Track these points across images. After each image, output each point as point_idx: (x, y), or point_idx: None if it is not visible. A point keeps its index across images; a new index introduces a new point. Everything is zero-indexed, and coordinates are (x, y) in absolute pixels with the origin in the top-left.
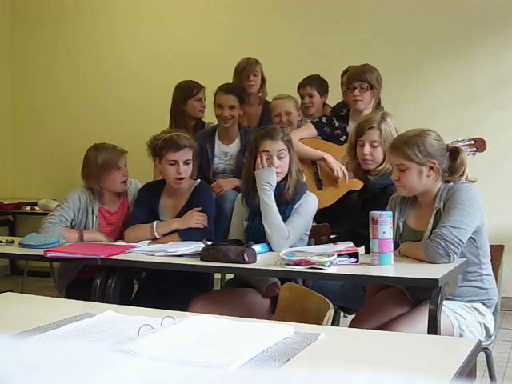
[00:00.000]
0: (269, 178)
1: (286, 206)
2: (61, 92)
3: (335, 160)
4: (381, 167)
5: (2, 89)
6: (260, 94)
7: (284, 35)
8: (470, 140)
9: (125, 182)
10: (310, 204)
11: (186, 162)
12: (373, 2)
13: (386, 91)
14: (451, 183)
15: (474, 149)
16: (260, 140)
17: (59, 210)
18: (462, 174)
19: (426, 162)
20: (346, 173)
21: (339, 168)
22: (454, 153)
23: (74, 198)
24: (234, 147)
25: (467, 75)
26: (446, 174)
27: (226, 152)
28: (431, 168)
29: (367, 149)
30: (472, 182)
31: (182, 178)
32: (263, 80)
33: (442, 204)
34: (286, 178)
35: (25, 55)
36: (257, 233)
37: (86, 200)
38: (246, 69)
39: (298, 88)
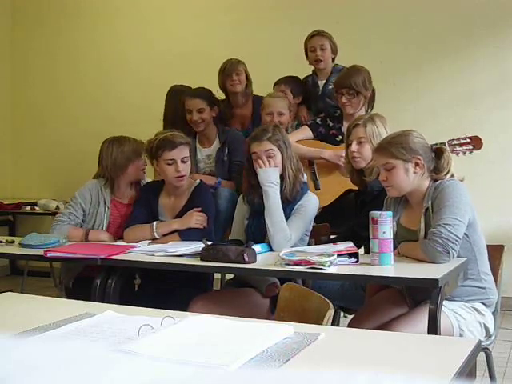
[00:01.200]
0: (272, 178)
1: (286, 205)
2: (61, 92)
3: (333, 152)
4: (371, 164)
5: (2, 89)
6: (247, 94)
7: (284, 35)
8: (465, 138)
9: (144, 169)
10: (310, 204)
11: (183, 160)
12: (373, 2)
13: (386, 91)
14: (438, 182)
15: (471, 147)
16: (249, 142)
17: (68, 207)
18: (448, 173)
19: (411, 158)
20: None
21: (342, 155)
22: (438, 153)
23: (84, 192)
24: (215, 148)
25: (467, 75)
26: (432, 173)
27: (208, 155)
28: (417, 164)
29: (354, 146)
30: (460, 180)
31: (182, 176)
32: (248, 80)
33: (430, 203)
34: (281, 178)
35: (25, 55)
36: (257, 232)
37: (98, 192)
38: (227, 68)
39: (274, 86)
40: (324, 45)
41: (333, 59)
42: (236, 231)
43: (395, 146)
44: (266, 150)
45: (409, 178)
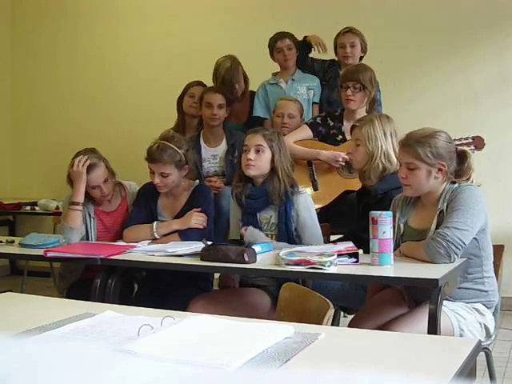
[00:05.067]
0: (252, 239)
1: (282, 205)
2: (61, 92)
3: (330, 153)
4: (365, 168)
5: (2, 89)
6: (244, 90)
7: None
8: (467, 138)
9: (94, 187)
10: (310, 202)
11: (162, 174)
12: (373, 2)
13: (386, 91)
14: (455, 185)
15: (473, 147)
16: (246, 136)
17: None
18: (468, 178)
19: (436, 163)
20: (347, 157)
21: (339, 159)
22: (462, 156)
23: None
24: (221, 149)
25: (467, 75)
26: (452, 176)
27: (214, 155)
28: (440, 170)
29: (351, 148)
30: (478, 186)
31: (159, 186)
32: (245, 77)
33: (445, 205)
34: (267, 179)
35: (25, 55)
36: None
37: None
38: (228, 78)
39: (275, 41)
40: (354, 42)
41: (361, 58)
42: (233, 232)
43: (423, 148)
44: (256, 144)
45: (429, 181)
